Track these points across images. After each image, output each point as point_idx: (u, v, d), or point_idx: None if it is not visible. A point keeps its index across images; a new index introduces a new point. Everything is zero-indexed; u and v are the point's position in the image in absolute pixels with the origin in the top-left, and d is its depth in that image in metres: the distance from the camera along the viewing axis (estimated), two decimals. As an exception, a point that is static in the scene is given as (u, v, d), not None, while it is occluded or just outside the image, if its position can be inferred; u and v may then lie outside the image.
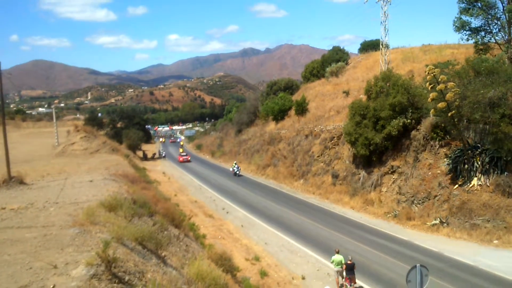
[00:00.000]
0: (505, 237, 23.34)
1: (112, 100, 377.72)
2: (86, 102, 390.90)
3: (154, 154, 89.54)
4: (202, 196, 43.55)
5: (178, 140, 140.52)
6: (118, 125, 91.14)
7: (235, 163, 58.39)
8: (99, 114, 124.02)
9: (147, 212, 17.73)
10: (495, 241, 23.48)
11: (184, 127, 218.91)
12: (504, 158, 25.87)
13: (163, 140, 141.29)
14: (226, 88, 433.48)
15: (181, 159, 78.49)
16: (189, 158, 78.80)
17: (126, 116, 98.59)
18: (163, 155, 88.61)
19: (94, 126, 69.72)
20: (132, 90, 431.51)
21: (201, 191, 46.48)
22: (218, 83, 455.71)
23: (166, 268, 11.76)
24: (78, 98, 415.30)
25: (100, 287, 8.21)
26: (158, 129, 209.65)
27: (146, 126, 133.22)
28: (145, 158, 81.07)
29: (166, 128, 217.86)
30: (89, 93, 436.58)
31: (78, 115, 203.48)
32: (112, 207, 15.48)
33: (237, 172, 56.23)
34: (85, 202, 17.05)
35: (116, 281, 8.57)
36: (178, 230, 19.30)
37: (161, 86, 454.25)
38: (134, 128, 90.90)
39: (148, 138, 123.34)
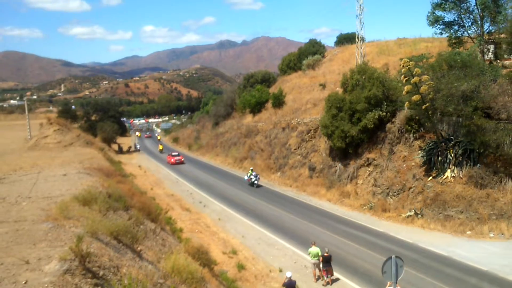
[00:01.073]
0: (477, 228, 23.87)
1: (86, 92, 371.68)
2: (60, 94, 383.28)
3: (130, 147, 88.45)
4: (178, 189, 43.24)
5: (156, 134, 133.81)
6: (93, 118, 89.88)
7: (252, 170, 44.31)
8: (73, 107, 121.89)
9: (122, 206, 17.46)
10: (468, 232, 24.00)
11: (160, 119, 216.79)
12: (477, 150, 26.40)
13: (139, 134, 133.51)
14: (203, 81, 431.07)
15: (172, 160, 62.86)
16: (182, 159, 63.54)
17: (100, 109, 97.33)
18: (138, 148, 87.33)
19: (67, 118, 68.62)
20: (106, 82, 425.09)
21: (177, 185, 46.15)
22: (194, 75, 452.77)
23: (142, 262, 11.60)
24: (51, 90, 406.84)
25: (73, 282, 8.03)
26: (134, 122, 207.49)
27: (121, 119, 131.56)
28: (120, 151, 79.99)
29: (142, 121, 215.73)
30: (62, 85, 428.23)
31: (51, 108, 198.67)
32: (86, 201, 15.20)
33: (256, 182, 42.45)
34: (59, 196, 16.70)
35: (90, 276, 8.40)
36: (154, 224, 19.08)
37: (137, 78, 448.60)
38: (109, 120, 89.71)
39: (123, 131, 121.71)
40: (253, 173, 43.08)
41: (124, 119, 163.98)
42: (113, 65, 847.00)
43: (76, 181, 22.25)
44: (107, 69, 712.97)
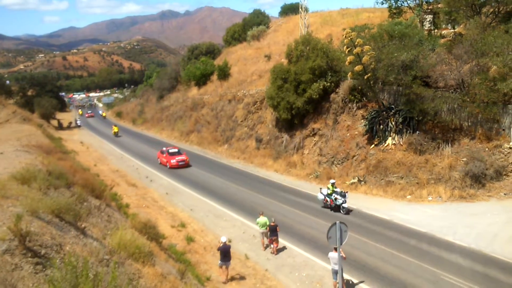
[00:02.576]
0: (417, 192, 25.01)
1: (21, 66, 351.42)
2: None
3: (70, 123, 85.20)
4: (124, 165, 42.26)
5: (100, 111, 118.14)
6: (29, 93, 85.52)
7: (333, 185, 25.05)
8: (7, 82, 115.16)
9: (64, 184, 16.85)
10: (408, 196, 25.13)
11: (101, 94, 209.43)
12: (416, 118, 27.47)
13: (81, 112, 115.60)
14: (145, 53, 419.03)
15: (173, 162, 39.39)
16: (187, 160, 40.11)
17: (37, 83, 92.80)
18: (79, 123, 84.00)
19: (2, 94, 65.31)
20: (42, 55, 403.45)
21: (122, 160, 45.09)
22: (136, 47, 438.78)
23: (86, 239, 11.29)
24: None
25: (13, 262, 7.72)
26: (74, 96, 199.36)
27: (60, 94, 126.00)
28: (60, 127, 77.01)
29: (83, 95, 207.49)
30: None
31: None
32: (25, 180, 14.50)
33: (345, 206, 24.00)
34: (-5, 176, 15.82)
35: (31, 255, 8.09)
36: (99, 200, 18.58)
37: (75, 50, 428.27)
38: (46, 96, 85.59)
39: (62, 106, 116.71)
40: (337, 190, 24.80)
41: (63, 94, 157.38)
42: (49, 37, 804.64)
43: (13, 159, 21.20)
44: (43, 42, 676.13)
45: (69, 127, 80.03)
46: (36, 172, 15.81)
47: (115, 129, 66.86)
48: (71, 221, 12.03)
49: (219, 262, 17.25)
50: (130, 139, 61.12)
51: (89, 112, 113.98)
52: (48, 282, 6.18)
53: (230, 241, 20.06)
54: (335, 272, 15.41)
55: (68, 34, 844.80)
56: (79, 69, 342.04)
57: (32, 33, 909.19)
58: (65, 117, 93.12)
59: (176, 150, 42.01)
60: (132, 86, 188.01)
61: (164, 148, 42.60)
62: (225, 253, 17.04)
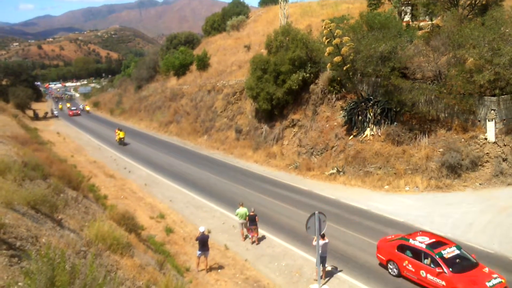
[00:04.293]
0: (394, 183, 25.35)
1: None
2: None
3: (46, 113, 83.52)
4: (101, 156, 41.69)
5: (80, 105, 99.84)
6: (3, 83, 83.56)
7: None
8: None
9: (40, 175, 16.55)
10: (386, 187, 25.45)
11: (78, 83, 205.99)
12: (394, 109, 27.76)
13: (61, 106, 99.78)
14: (123, 42, 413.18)
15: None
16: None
17: (11, 73, 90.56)
18: (56, 114, 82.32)
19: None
20: (17, 44, 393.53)
21: (100, 151, 44.47)
22: (114, 36, 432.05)
23: (63, 231, 11.12)
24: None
25: (-13, 255, 7.52)
26: (50, 86, 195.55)
27: (36, 83, 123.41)
28: (36, 117, 75.39)
29: (59, 85, 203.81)
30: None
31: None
32: (-1, 171, 14.19)
33: None
34: (-33, 167, 15.41)
35: (6, 247, 7.90)
36: (76, 192, 18.33)
37: (50, 39, 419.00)
38: (21, 85, 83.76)
39: (38, 96, 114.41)
40: None
41: (39, 83, 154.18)
42: (24, 25, 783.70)
43: (-14, 150, 20.69)
44: (18, 30, 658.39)
45: (45, 118, 78.46)
46: (11, 163, 15.48)
47: (121, 134, 47.63)
48: (47, 213, 11.84)
49: (198, 252, 17.25)
50: (108, 130, 60.24)
51: (73, 109, 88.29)
52: (24, 274, 6.06)
53: (209, 232, 20.10)
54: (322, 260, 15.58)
55: (43, 22, 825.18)
56: (55, 58, 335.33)
57: (6, 21, 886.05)
58: (41, 107, 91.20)
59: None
60: (110, 76, 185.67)
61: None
62: (203, 243, 17.06)
